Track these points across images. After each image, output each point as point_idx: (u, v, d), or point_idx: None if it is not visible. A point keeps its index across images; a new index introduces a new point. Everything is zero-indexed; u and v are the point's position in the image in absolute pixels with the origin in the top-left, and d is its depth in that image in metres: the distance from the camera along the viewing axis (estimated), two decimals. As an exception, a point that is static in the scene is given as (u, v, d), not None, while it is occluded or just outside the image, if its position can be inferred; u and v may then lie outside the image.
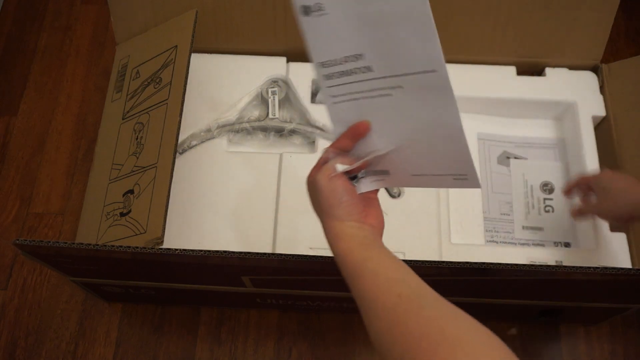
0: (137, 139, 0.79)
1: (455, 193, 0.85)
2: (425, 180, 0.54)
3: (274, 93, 0.90)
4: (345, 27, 0.50)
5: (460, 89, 0.88)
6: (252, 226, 0.82)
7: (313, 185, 0.54)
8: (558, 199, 0.85)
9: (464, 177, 0.51)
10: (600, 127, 0.89)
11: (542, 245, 0.84)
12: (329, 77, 0.53)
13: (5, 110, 1.10)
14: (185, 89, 0.76)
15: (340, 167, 0.53)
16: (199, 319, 0.93)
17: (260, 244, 0.81)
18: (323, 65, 0.53)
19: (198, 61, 0.91)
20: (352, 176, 0.55)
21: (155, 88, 0.80)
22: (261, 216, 0.83)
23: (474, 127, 0.91)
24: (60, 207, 1.02)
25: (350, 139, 0.54)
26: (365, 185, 0.56)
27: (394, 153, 0.53)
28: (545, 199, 0.86)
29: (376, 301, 0.44)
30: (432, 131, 0.51)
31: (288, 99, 0.91)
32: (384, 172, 0.55)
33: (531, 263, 0.79)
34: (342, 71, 0.52)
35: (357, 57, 0.51)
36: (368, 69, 0.51)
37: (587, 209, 0.76)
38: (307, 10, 0.51)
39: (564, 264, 0.79)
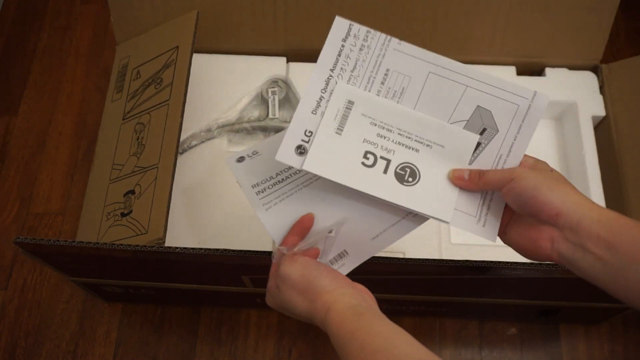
0: (137, 139, 0.79)
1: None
2: (386, 237, 0.54)
3: (274, 93, 0.91)
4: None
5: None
6: (252, 226, 0.82)
7: (280, 286, 0.49)
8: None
9: None
10: (600, 127, 0.89)
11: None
12: (261, 191, 0.55)
13: (5, 110, 1.10)
14: (186, 90, 0.76)
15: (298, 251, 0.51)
16: (199, 319, 0.93)
17: (261, 244, 0.81)
18: (255, 186, 0.55)
19: (198, 61, 0.91)
20: None
21: (156, 89, 0.81)
22: (261, 216, 0.83)
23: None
24: (60, 207, 1.02)
25: (298, 235, 0.52)
26: None
27: (345, 226, 0.53)
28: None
29: None
30: None
31: (288, 99, 0.91)
32: (343, 254, 0.55)
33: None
34: (276, 182, 0.54)
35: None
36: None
37: None
38: (242, 159, 0.55)
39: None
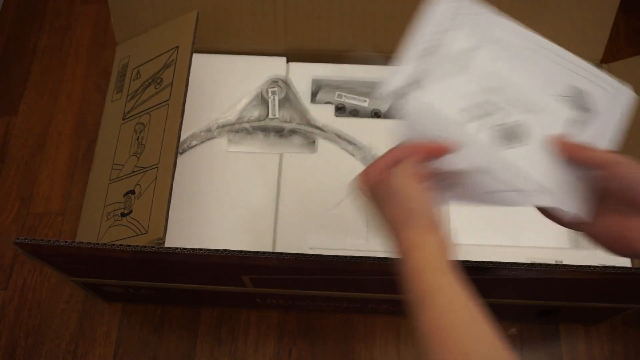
0: (137, 139, 0.79)
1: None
2: (495, 199, 0.50)
3: (274, 93, 0.91)
4: None
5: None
6: (252, 226, 0.82)
7: (386, 187, 0.46)
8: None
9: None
10: (600, 127, 0.89)
11: (543, 246, 0.84)
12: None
13: (5, 110, 1.10)
14: (186, 90, 0.76)
15: (421, 169, 0.46)
16: (199, 319, 0.93)
17: (260, 244, 0.81)
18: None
19: (198, 61, 0.91)
20: None
21: (156, 89, 0.81)
22: (261, 216, 0.83)
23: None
24: (60, 207, 1.02)
25: (431, 153, 0.48)
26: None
27: (464, 173, 0.50)
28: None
29: (434, 343, 0.40)
30: None
31: (288, 99, 0.91)
32: (456, 185, 0.51)
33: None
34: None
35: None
36: None
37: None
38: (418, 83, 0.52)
39: (564, 263, 0.79)
